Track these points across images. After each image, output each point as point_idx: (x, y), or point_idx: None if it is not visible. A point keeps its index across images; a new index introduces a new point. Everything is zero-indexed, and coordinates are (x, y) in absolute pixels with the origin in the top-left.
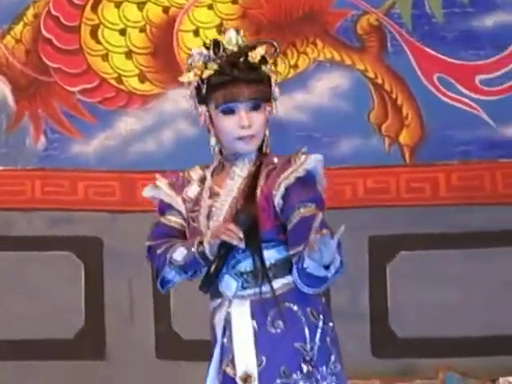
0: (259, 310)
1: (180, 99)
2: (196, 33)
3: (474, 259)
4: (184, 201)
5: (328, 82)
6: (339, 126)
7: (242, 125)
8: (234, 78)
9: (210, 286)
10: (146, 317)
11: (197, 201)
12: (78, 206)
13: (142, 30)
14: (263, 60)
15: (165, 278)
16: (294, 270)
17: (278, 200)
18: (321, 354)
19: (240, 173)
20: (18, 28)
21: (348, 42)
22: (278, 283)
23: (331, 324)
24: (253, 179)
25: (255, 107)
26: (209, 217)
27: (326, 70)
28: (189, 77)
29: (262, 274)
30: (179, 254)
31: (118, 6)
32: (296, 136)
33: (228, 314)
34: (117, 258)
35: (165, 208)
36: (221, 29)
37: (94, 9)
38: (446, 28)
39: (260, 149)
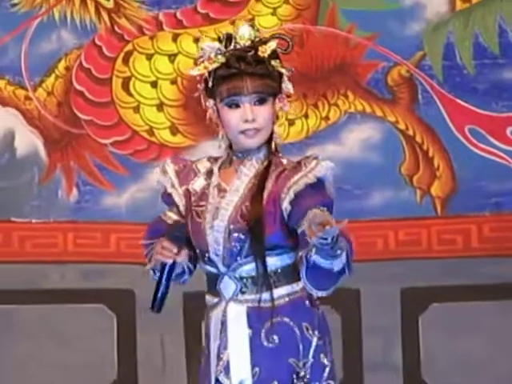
0: (256, 320)
1: (211, 151)
2: None
3: (506, 311)
4: (188, 193)
5: (359, 133)
6: (370, 178)
7: (246, 118)
8: (240, 72)
9: (160, 307)
10: (178, 371)
11: (203, 195)
12: (110, 259)
13: (174, 82)
14: (273, 55)
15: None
16: (303, 269)
17: (285, 205)
18: (314, 370)
19: (247, 172)
20: (50, 80)
21: (379, 94)
22: (276, 293)
23: (327, 338)
24: (260, 180)
25: (260, 101)
26: (214, 216)
27: (357, 122)
28: (198, 69)
29: (263, 280)
30: (152, 259)
31: (149, 58)
32: None
33: (224, 317)
34: (149, 311)
35: (166, 199)
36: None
37: (126, 61)
38: (477, 79)
39: (269, 147)
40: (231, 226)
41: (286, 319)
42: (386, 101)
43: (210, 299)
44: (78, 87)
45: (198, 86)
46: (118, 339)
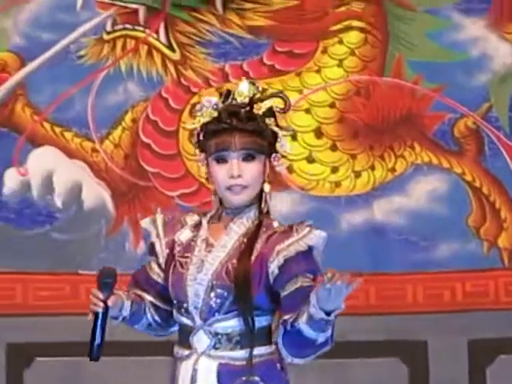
0: (226, 377)
1: (278, 204)
2: (294, 137)
3: None
4: (172, 243)
5: (426, 185)
6: (437, 230)
7: (232, 174)
8: (230, 127)
9: (98, 355)
10: None
11: (188, 247)
12: None
13: None
14: (269, 113)
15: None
16: (281, 334)
17: (273, 268)
18: None
19: (237, 229)
20: (117, 133)
21: (445, 146)
22: (247, 353)
23: None
24: (250, 240)
25: (248, 158)
26: (198, 269)
27: (424, 174)
28: (192, 123)
29: (247, 338)
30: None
31: None
32: (393, 239)
33: (194, 371)
34: None
35: (150, 249)
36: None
37: (192, 113)
38: None
39: (260, 207)
40: (214, 282)
41: (257, 379)
42: (452, 152)
43: (179, 351)
44: (145, 139)
45: (191, 139)
46: None
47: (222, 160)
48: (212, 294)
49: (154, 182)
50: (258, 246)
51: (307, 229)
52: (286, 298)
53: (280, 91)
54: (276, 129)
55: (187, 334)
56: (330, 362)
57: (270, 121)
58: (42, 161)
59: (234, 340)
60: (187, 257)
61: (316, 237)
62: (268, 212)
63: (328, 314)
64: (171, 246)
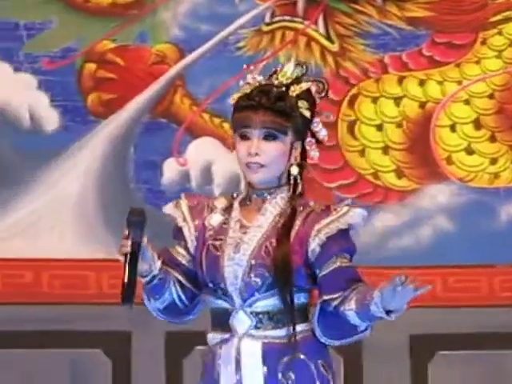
0: (271, 356)
1: (437, 195)
2: (453, 128)
3: None
4: (203, 228)
5: None
6: None
7: (249, 151)
8: (257, 104)
9: (131, 298)
10: None
11: (220, 230)
12: None
13: (399, 125)
14: (303, 96)
15: (154, 308)
16: (317, 313)
17: (314, 246)
18: None
19: (272, 209)
20: None
21: None
22: (289, 330)
23: (336, 378)
24: (289, 219)
25: (269, 137)
26: (235, 250)
27: None
28: (232, 99)
29: (288, 316)
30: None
31: (374, 101)
32: None
33: (238, 353)
34: (375, 354)
35: (176, 233)
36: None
37: (351, 104)
38: None
39: (292, 188)
40: (253, 261)
41: (302, 356)
42: None
43: (216, 336)
44: None
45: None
46: (345, 382)
47: (245, 137)
48: (252, 274)
49: (313, 173)
50: (296, 224)
51: (346, 207)
52: (325, 277)
53: (320, 77)
54: (306, 112)
55: (225, 317)
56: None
57: (302, 103)
58: (201, 151)
59: (274, 318)
60: (221, 239)
61: (357, 214)
62: (302, 194)
63: (387, 312)
64: (201, 230)
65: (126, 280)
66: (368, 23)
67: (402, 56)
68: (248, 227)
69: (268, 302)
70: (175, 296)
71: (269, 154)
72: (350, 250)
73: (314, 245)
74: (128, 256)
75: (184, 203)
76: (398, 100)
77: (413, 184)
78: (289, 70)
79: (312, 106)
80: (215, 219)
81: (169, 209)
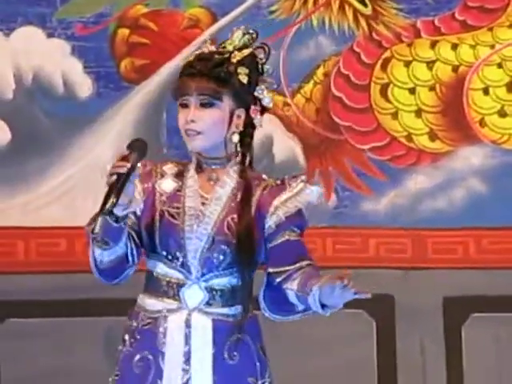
0: (220, 334)
1: (471, 157)
2: (486, 91)
3: None
4: (153, 191)
5: None
6: None
7: (186, 118)
8: (195, 71)
9: (112, 213)
10: (438, 376)
11: (175, 197)
12: (369, 264)
13: (432, 88)
14: (245, 62)
15: (96, 260)
16: (263, 286)
17: (270, 224)
18: None
19: (230, 182)
20: (309, 87)
21: None
22: (238, 309)
23: None
24: (247, 194)
25: (205, 104)
26: (196, 222)
27: None
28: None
29: (240, 295)
30: (98, 224)
31: (407, 64)
32: None
33: (188, 328)
34: (408, 316)
35: None
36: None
37: (384, 67)
38: None
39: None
40: (217, 237)
41: (247, 337)
42: None
43: (158, 303)
44: (337, 93)
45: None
46: (378, 344)
47: (184, 105)
48: (214, 250)
49: (346, 135)
50: (255, 199)
51: (301, 184)
52: (273, 249)
53: (262, 42)
54: (244, 78)
55: (175, 287)
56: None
57: (241, 70)
58: None
59: (226, 296)
60: (177, 208)
61: (314, 193)
62: (251, 165)
63: (323, 306)
64: (150, 193)
65: (113, 200)
66: None
67: (435, 20)
68: (206, 198)
69: (224, 280)
70: (128, 249)
71: (205, 120)
72: (301, 225)
73: (271, 222)
74: (121, 178)
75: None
76: (430, 64)
77: (446, 146)
78: (237, 38)
79: (254, 73)
80: (167, 185)
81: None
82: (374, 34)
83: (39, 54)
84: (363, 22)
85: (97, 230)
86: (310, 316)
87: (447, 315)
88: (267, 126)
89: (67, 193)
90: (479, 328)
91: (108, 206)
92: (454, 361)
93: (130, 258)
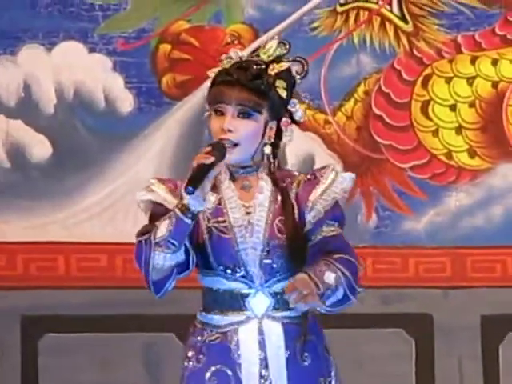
0: (290, 337)
1: (510, 174)
2: None
3: None
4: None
5: None
6: None
7: (223, 127)
8: (233, 80)
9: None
10: None
11: (217, 211)
12: (409, 283)
13: (472, 105)
14: (282, 75)
15: (155, 267)
16: None
17: (309, 219)
18: None
19: (267, 186)
20: (349, 105)
21: None
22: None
23: None
24: (285, 194)
25: (243, 114)
26: (248, 232)
27: None
28: (212, 72)
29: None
30: (162, 227)
31: (448, 81)
32: None
33: (261, 336)
34: (447, 335)
35: (157, 210)
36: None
37: (425, 85)
38: None
39: (272, 162)
40: (271, 243)
41: (313, 337)
42: None
43: (227, 318)
44: (377, 111)
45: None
46: (417, 363)
47: (219, 112)
48: (272, 255)
49: (386, 154)
50: (292, 198)
51: (333, 173)
52: (311, 248)
53: (301, 56)
54: (282, 92)
55: (240, 298)
56: None
57: (279, 83)
58: None
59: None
60: (224, 221)
61: (347, 180)
62: (279, 167)
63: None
64: None
65: (195, 183)
66: (442, 2)
67: (475, 35)
68: (248, 207)
69: (286, 283)
70: (190, 255)
71: (242, 131)
72: (338, 217)
73: (310, 217)
74: (204, 168)
75: (160, 187)
76: (470, 80)
77: (485, 163)
78: (271, 48)
79: (290, 86)
80: (209, 200)
81: (144, 195)
82: (414, 51)
83: (81, 69)
84: (404, 39)
85: (162, 233)
86: (348, 334)
87: (485, 334)
88: (308, 144)
89: (108, 209)
90: None
91: (189, 189)
92: (492, 379)
93: (190, 263)
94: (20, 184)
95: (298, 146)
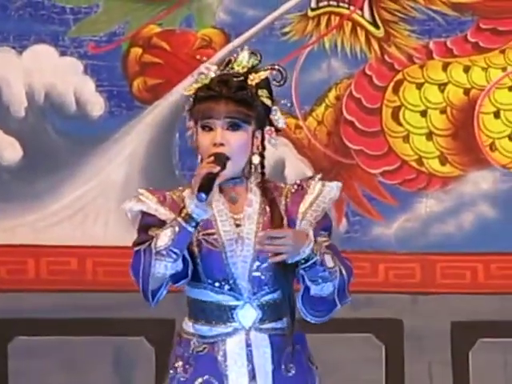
0: (277, 348)
1: (481, 181)
2: (497, 115)
3: None
4: None
5: None
6: None
7: (214, 142)
8: (218, 95)
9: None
10: None
11: (206, 223)
12: (378, 288)
13: (443, 111)
14: (263, 84)
15: (157, 276)
16: (300, 293)
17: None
18: None
19: (256, 198)
20: (320, 110)
21: None
22: (286, 321)
23: None
24: (274, 206)
25: (233, 127)
26: (237, 245)
27: None
28: (187, 90)
29: (287, 306)
30: (163, 236)
31: (419, 87)
32: None
33: (248, 347)
34: (417, 341)
35: (148, 221)
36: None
37: (396, 90)
38: None
39: (259, 175)
40: (261, 255)
41: (298, 347)
42: None
43: (213, 329)
44: (348, 117)
45: (185, 105)
46: (387, 369)
47: (207, 128)
48: (261, 268)
49: (357, 159)
50: (282, 210)
51: (320, 183)
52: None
53: (277, 64)
54: (267, 101)
55: (227, 310)
56: None
57: (262, 92)
58: None
59: (276, 309)
60: (213, 234)
61: (335, 189)
62: (266, 179)
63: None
64: None
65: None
66: (413, 8)
67: (447, 42)
68: (237, 219)
69: (274, 295)
70: (182, 265)
71: (233, 143)
72: (328, 227)
73: (302, 228)
74: (211, 176)
75: (150, 198)
76: (442, 86)
77: (456, 170)
78: (244, 59)
79: (271, 94)
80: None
81: (134, 205)
82: (386, 57)
83: (52, 72)
84: (375, 45)
85: (163, 242)
86: (317, 340)
87: (455, 340)
88: (279, 149)
89: (78, 212)
90: (487, 353)
91: (202, 196)
92: (463, 382)
93: (189, 271)
94: None
95: (268, 150)
